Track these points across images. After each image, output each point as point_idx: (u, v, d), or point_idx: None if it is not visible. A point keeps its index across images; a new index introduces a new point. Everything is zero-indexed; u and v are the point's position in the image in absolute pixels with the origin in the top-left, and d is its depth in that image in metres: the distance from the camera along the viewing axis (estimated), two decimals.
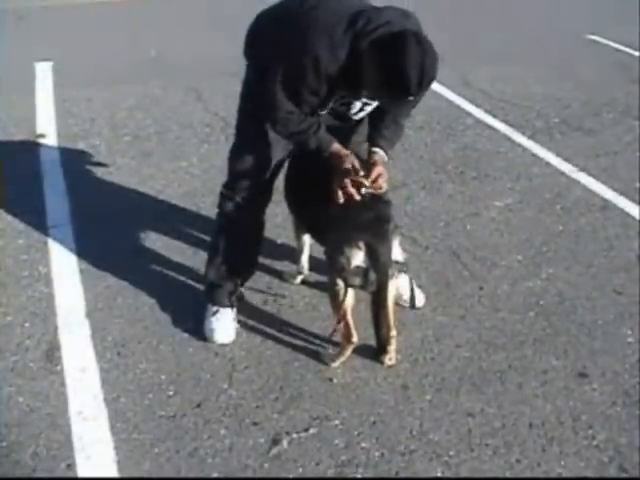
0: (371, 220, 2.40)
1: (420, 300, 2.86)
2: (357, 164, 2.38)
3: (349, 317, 2.45)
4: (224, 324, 2.67)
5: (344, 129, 2.59)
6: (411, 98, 2.15)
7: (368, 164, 2.44)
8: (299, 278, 3.00)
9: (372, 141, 2.51)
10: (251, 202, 2.63)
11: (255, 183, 2.59)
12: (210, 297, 2.73)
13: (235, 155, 2.63)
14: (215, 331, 2.64)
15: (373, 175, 2.38)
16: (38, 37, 6.48)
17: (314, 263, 2.97)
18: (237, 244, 2.70)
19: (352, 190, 2.33)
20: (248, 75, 2.56)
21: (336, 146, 2.40)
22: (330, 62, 2.16)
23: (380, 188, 2.41)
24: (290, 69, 2.24)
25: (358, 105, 2.41)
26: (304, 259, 2.96)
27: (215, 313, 2.68)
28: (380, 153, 2.47)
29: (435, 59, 2.11)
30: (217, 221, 2.75)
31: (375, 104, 2.41)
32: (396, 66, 2.07)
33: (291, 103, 2.27)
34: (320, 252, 2.75)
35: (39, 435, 2.23)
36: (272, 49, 2.33)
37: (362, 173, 2.36)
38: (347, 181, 2.33)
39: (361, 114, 2.48)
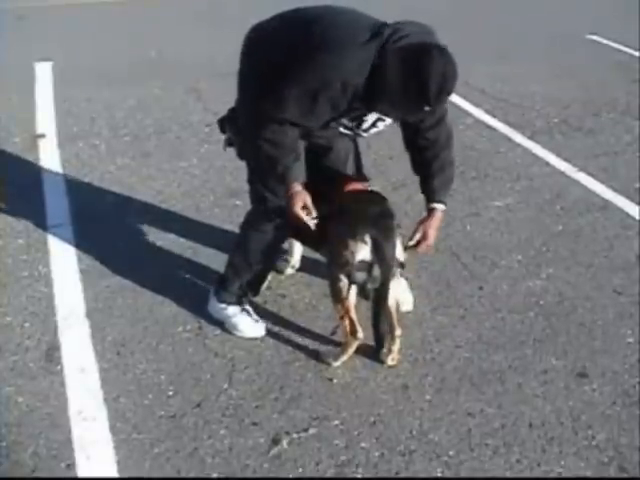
0: (376, 215, 2.40)
1: (408, 303, 2.85)
2: (308, 203, 2.36)
3: (353, 313, 2.45)
4: (255, 318, 2.72)
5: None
6: (427, 109, 2.18)
7: (419, 230, 2.52)
8: (291, 263, 3.03)
9: (429, 198, 2.53)
10: (284, 222, 2.55)
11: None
12: (237, 301, 2.73)
13: (257, 179, 2.55)
14: (250, 326, 2.69)
15: (415, 238, 2.51)
16: (38, 37, 6.48)
17: (314, 263, 2.97)
18: (265, 259, 2.73)
19: (306, 219, 2.36)
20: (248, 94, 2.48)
21: (297, 187, 2.36)
22: (357, 75, 2.16)
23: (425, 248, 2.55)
24: (314, 81, 2.20)
25: (370, 121, 2.40)
26: (295, 249, 3.00)
27: (242, 311, 2.71)
28: (439, 208, 2.52)
29: (456, 72, 2.15)
30: (246, 237, 2.67)
31: (388, 121, 2.41)
32: (418, 74, 2.10)
33: (300, 115, 2.25)
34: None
35: (39, 435, 2.23)
36: (284, 60, 2.27)
37: (313, 215, 2.36)
38: (301, 216, 2.36)
39: (373, 131, 2.47)
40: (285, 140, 2.30)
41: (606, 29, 7.24)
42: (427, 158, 2.49)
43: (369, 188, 2.66)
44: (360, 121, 2.40)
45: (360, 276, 2.37)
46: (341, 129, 2.45)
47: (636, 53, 6.64)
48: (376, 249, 2.33)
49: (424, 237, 2.52)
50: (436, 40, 2.23)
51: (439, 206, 2.53)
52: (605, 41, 7.03)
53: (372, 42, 2.16)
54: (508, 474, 2.15)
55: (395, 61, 2.13)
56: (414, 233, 2.54)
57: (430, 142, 2.46)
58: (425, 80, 2.08)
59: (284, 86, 2.23)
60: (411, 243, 2.54)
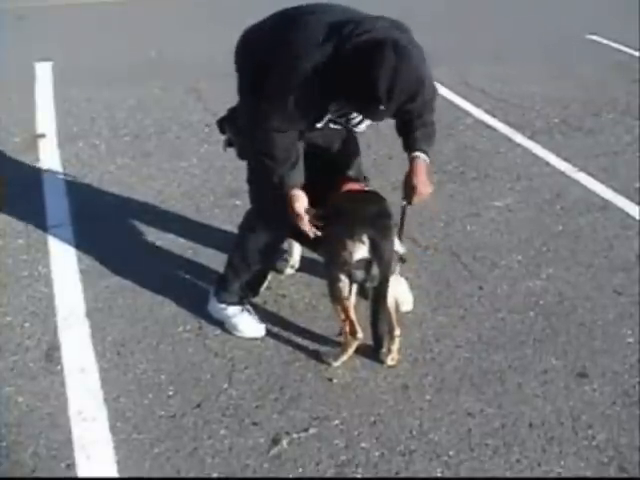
0: (374, 215, 2.41)
1: (408, 303, 2.85)
2: (298, 209, 2.36)
3: (352, 313, 2.45)
4: (255, 318, 2.72)
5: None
6: (382, 107, 2.08)
7: (406, 184, 2.47)
8: (290, 263, 3.04)
9: (410, 148, 2.46)
10: (283, 223, 2.55)
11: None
12: (237, 301, 2.73)
13: (256, 182, 2.57)
14: (250, 326, 2.69)
15: (416, 199, 2.47)
16: (38, 37, 6.48)
17: (313, 263, 2.97)
18: (264, 260, 2.72)
19: (308, 228, 2.38)
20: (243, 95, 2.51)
21: (294, 192, 2.35)
22: (314, 75, 2.12)
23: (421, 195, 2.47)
24: (279, 86, 2.20)
25: (358, 116, 2.39)
26: (295, 249, 3.01)
27: (242, 311, 2.71)
28: (421, 156, 2.44)
29: (413, 71, 2.07)
30: (244, 237, 2.68)
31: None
32: (367, 71, 2.01)
33: (281, 121, 2.24)
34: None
35: (39, 435, 2.23)
36: (266, 59, 2.28)
37: (311, 212, 2.39)
38: (303, 222, 2.37)
39: (362, 126, 2.46)
40: (275, 150, 2.29)
41: (606, 29, 7.25)
42: (411, 118, 2.42)
43: (366, 188, 2.66)
44: (347, 117, 2.39)
45: (359, 274, 2.38)
46: (331, 125, 2.44)
47: (636, 53, 6.64)
48: (374, 249, 2.34)
49: (413, 190, 2.45)
50: (403, 36, 2.14)
51: (420, 154, 2.43)
52: (605, 41, 7.03)
53: (330, 41, 2.11)
54: (508, 474, 2.15)
55: (349, 58, 2.06)
56: (403, 191, 2.49)
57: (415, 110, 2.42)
58: (373, 77, 2.00)
59: (264, 93, 2.23)
60: (404, 203, 2.51)
